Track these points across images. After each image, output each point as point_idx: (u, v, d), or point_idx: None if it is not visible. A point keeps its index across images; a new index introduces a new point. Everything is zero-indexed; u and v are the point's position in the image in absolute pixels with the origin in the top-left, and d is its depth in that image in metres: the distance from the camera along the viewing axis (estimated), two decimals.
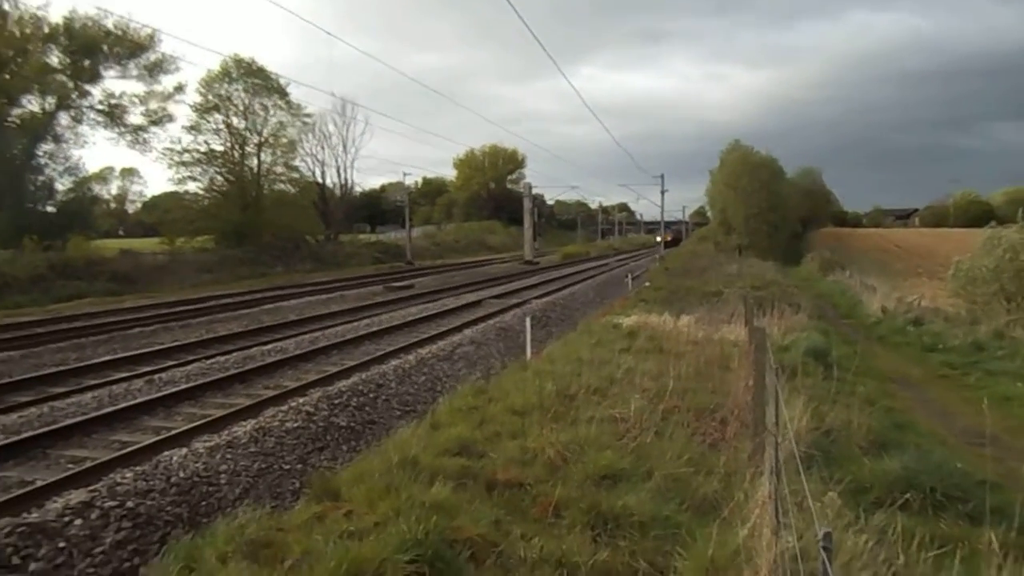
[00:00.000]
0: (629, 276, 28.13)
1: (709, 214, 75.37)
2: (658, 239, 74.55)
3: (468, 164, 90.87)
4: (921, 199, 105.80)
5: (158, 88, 36.76)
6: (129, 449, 7.25)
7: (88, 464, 6.81)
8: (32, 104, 32.57)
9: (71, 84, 33.39)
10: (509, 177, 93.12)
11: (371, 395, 10.17)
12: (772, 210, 54.73)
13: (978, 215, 69.43)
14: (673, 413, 7.56)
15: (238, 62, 41.35)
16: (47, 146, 33.14)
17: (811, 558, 3.47)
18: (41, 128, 32.43)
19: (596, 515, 4.90)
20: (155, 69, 36.05)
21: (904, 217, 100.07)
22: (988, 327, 17.55)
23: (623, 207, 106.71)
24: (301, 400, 9.40)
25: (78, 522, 5.63)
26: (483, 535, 4.54)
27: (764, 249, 51.00)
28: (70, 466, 6.95)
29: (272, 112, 43.42)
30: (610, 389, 8.64)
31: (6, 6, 29.91)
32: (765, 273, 32.03)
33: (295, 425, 8.52)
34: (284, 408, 8.99)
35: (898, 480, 5.58)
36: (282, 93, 43.07)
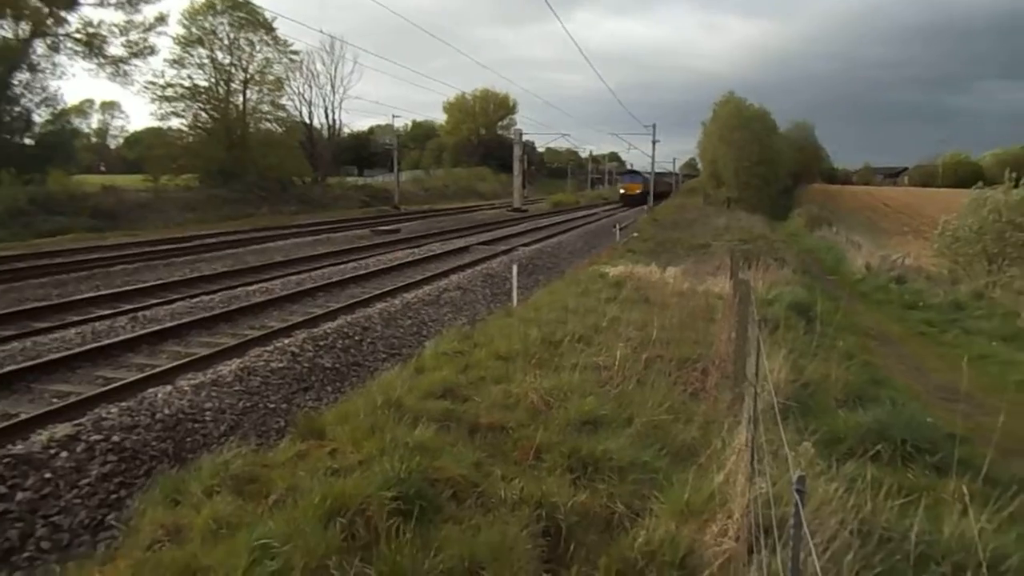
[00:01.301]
0: (617, 226, 28.10)
1: (700, 166, 74.99)
2: (622, 190, 68.20)
3: (459, 108, 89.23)
4: (911, 158, 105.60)
5: (139, 18, 35.49)
6: (114, 385, 7.27)
7: (73, 399, 6.83)
8: (4, 30, 31.36)
9: (46, 10, 32.11)
10: (500, 123, 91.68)
11: (356, 337, 10.21)
12: (763, 164, 54.50)
13: (966, 176, 69.58)
14: (656, 362, 7.67)
15: None
16: (22, 75, 32.07)
17: (783, 504, 3.58)
18: (15, 56, 31.30)
19: (576, 459, 5.01)
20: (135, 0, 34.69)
21: (894, 176, 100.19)
22: (968, 287, 17.82)
23: (614, 156, 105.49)
24: (286, 341, 9.42)
25: (63, 454, 5.68)
26: (465, 476, 4.63)
27: (753, 203, 51.00)
28: (54, 400, 6.97)
29: (258, 48, 42.24)
30: (595, 337, 8.73)
31: None
32: (753, 227, 32.12)
33: (280, 365, 8.56)
34: (269, 348, 9.02)
35: (870, 432, 5.72)
36: (268, 28, 41.80)
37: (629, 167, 77.85)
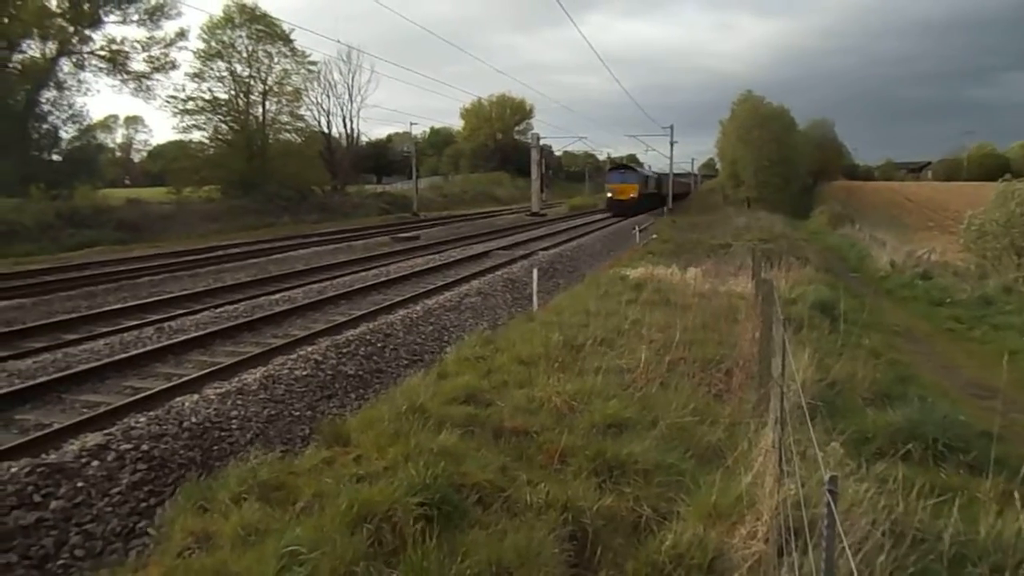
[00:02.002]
0: (636, 228, 27.97)
1: (718, 166, 74.38)
2: (608, 194, 47.53)
3: (475, 114, 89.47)
4: (935, 152, 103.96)
5: (160, 34, 36.12)
6: (142, 395, 7.37)
7: (103, 408, 6.94)
8: (33, 50, 32.09)
9: (71, 29, 32.80)
10: (517, 128, 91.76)
11: (379, 344, 10.26)
12: (782, 162, 54.02)
13: (993, 168, 68.32)
14: (679, 364, 7.62)
15: (241, 7, 40.51)
16: (49, 93, 32.77)
17: (813, 505, 3.54)
18: (43, 74, 32.00)
19: (601, 462, 4.99)
20: (156, 14, 35.35)
21: (917, 170, 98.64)
22: (997, 282, 17.48)
23: (632, 158, 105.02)
24: (310, 349, 9.49)
25: (95, 463, 5.77)
26: (490, 481, 4.63)
27: (774, 202, 50.54)
28: (85, 410, 7.08)
29: (276, 60, 42.71)
30: (617, 340, 8.69)
31: None
32: (774, 226, 31.81)
33: (304, 373, 8.63)
34: (293, 356, 9.09)
35: (900, 431, 5.63)
36: (286, 40, 42.27)
37: (626, 162, 60.20)
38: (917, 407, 6.18)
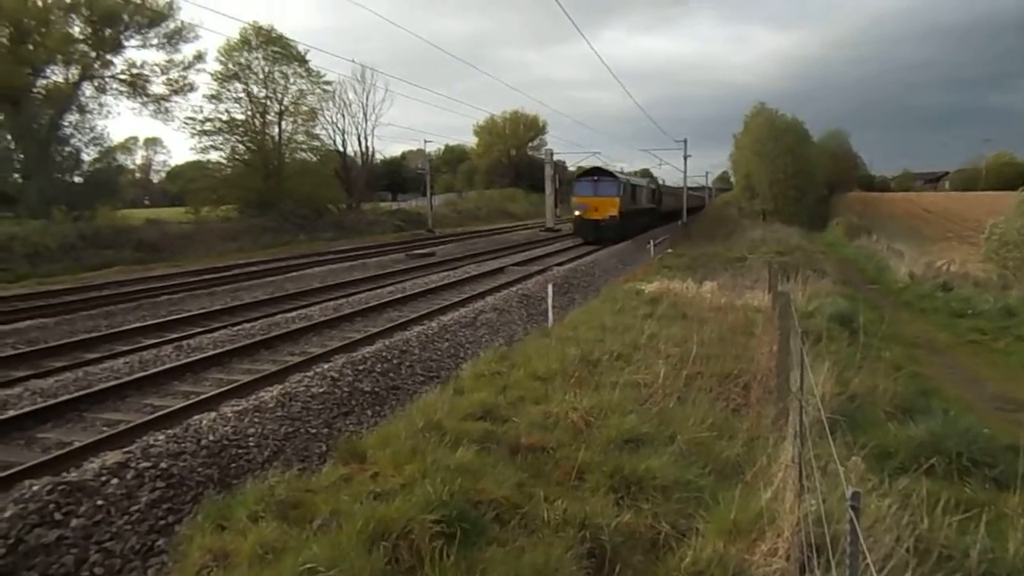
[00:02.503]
0: (651, 242, 27.90)
1: (733, 179, 74.13)
2: (577, 211, 33.19)
3: (489, 131, 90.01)
4: (952, 162, 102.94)
5: (178, 57, 36.78)
6: (161, 413, 7.43)
7: (122, 427, 7.00)
8: (56, 75, 32.80)
9: (93, 54, 33.50)
10: (530, 144, 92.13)
11: (395, 361, 10.28)
12: (797, 174, 53.75)
13: (1012, 177, 67.52)
14: (696, 379, 7.56)
15: (257, 30, 41.15)
16: (72, 117, 33.41)
17: (835, 521, 3.48)
18: (66, 99, 32.66)
19: (619, 478, 4.95)
20: (175, 38, 36.01)
21: (934, 180, 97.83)
22: (1020, 292, 17.20)
23: (645, 172, 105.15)
24: (326, 366, 9.52)
25: (114, 481, 5.81)
26: (507, 497, 4.61)
27: (789, 214, 50.26)
28: (105, 428, 7.15)
29: (292, 80, 43.28)
30: (633, 355, 8.65)
31: None
32: (790, 238, 31.61)
33: (320, 390, 8.66)
34: (309, 374, 9.13)
35: (923, 445, 5.55)
36: (302, 61, 42.86)
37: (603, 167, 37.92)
38: (940, 421, 6.09)
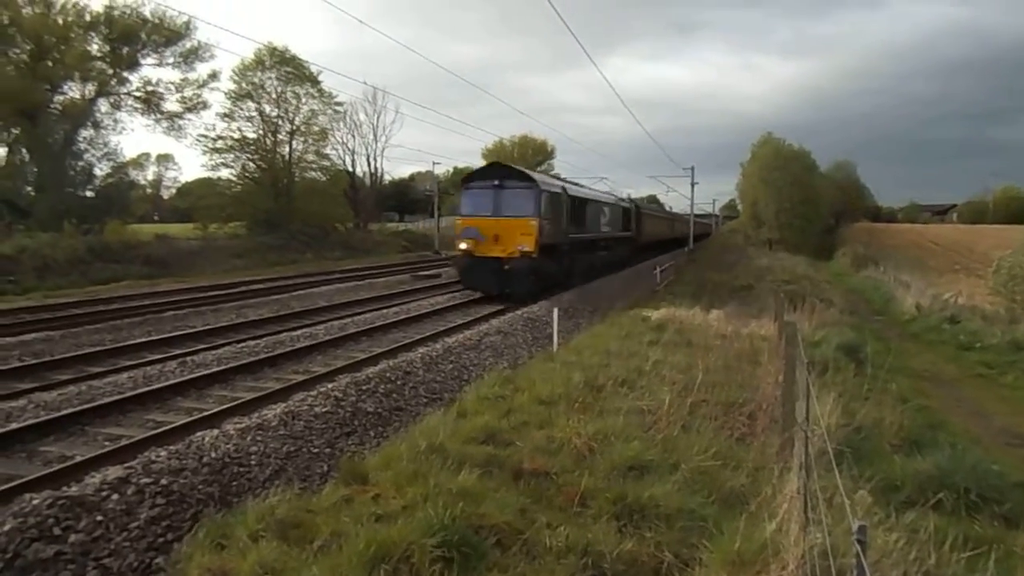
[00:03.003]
0: (657, 268, 27.91)
1: (739, 207, 74.32)
2: (463, 244, 18.59)
3: (497, 154, 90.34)
4: (959, 194, 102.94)
5: (193, 75, 37.34)
6: (163, 428, 7.41)
7: (124, 442, 6.98)
8: (73, 91, 33.32)
9: (110, 71, 34.04)
10: (538, 168, 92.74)
11: (399, 382, 10.26)
12: (804, 204, 53.94)
13: (1019, 211, 67.57)
14: (701, 406, 7.52)
15: (272, 51, 41.78)
16: (87, 132, 33.88)
17: (840, 554, 3.44)
18: (81, 115, 33.13)
19: (622, 506, 4.91)
20: (190, 57, 36.58)
21: (941, 213, 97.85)
22: None
23: (652, 199, 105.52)
24: (330, 385, 9.51)
25: (115, 497, 5.78)
26: (509, 522, 4.57)
27: (796, 243, 50.36)
28: (107, 443, 7.13)
29: (304, 100, 43.83)
30: (638, 381, 8.62)
31: None
32: (796, 267, 31.60)
33: (324, 410, 8.63)
34: (313, 393, 9.11)
35: (930, 479, 5.49)
36: (314, 81, 43.42)
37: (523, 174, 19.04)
38: (948, 455, 6.03)
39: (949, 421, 9.18)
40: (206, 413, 8.03)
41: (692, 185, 54.22)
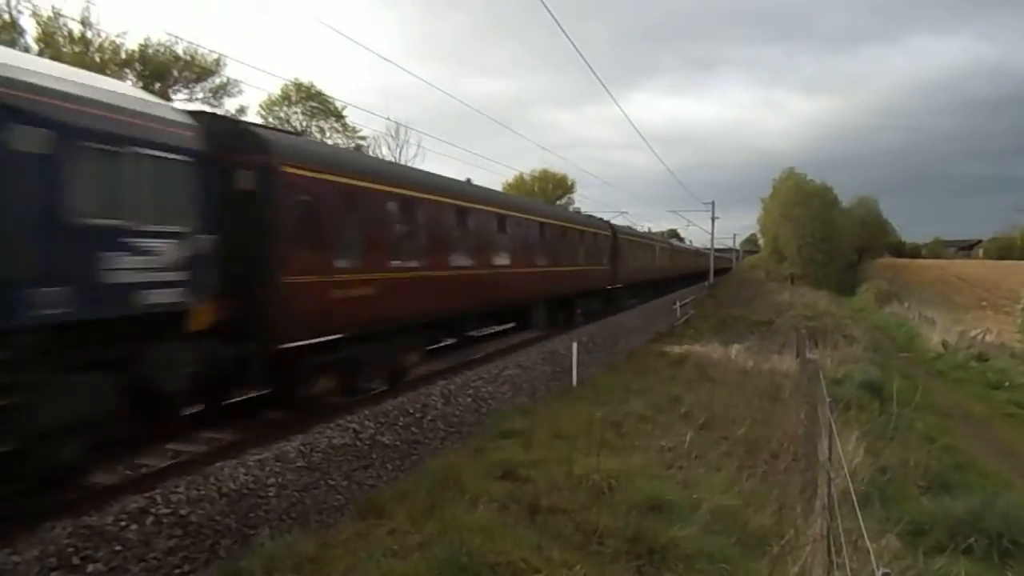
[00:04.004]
0: (677, 303, 27.78)
1: (760, 242, 74.04)
2: None
3: (517, 188, 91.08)
4: (986, 230, 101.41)
5: (221, 111, 38.31)
6: (183, 459, 7.44)
7: (144, 471, 7.01)
8: None
9: None
10: (558, 202, 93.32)
11: (417, 415, 10.23)
12: (825, 239, 53.65)
13: None
14: (721, 444, 7.43)
15: (298, 86, 42.78)
16: None
17: None
18: None
19: (641, 545, 4.83)
20: (220, 92, 37.53)
21: (967, 248, 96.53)
22: None
23: (673, 233, 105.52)
24: (348, 417, 9.51)
25: (134, 527, 5.79)
26: (525, 559, 4.52)
27: (817, 278, 49.96)
28: (128, 472, 7.17)
29: (329, 134, 44.63)
30: (657, 417, 8.54)
31: (89, 35, 31.67)
32: (818, 303, 31.28)
33: (342, 442, 8.61)
34: (331, 425, 9.11)
35: (961, 523, 5.35)
36: (339, 116, 44.30)
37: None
38: (979, 498, 5.88)
39: (978, 462, 8.97)
40: (226, 443, 8.06)
41: (712, 219, 54.15)
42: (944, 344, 21.09)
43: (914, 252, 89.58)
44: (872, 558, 2.77)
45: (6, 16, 26.45)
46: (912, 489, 6.42)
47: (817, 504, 4.61)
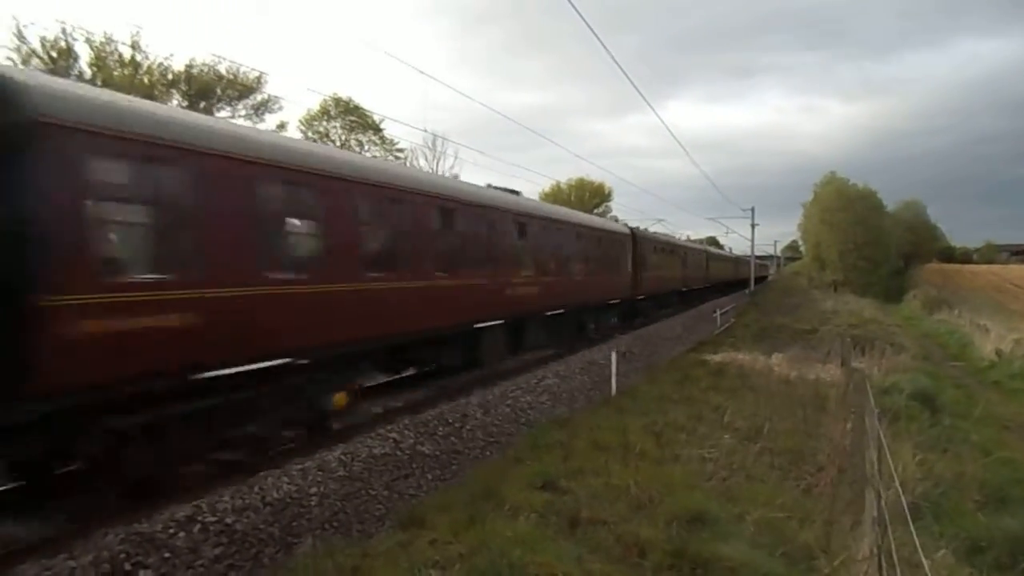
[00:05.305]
0: (717, 311, 27.39)
1: (802, 249, 72.58)
2: None
3: (554, 197, 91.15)
4: None
5: (263, 126, 39.27)
6: (229, 468, 7.59)
7: (191, 481, 7.18)
8: None
9: None
10: (595, 210, 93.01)
11: (456, 425, 10.27)
12: (869, 244, 52.35)
13: None
14: (764, 454, 7.28)
15: (337, 101, 43.64)
16: None
17: None
18: None
19: (683, 559, 4.75)
20: (261, 108, 38.59)
21: (1021, 253, 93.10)
22: None
23: (712, 240, 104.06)
24: (388, 427, 9.60)
25: (182, 535, 5.93)
26: (566, 572, 4.48)
27: (861, 285, 48.75)
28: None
29: (367, 147, 45.35)
30: (697, 427, 8.42)
31: (138, 57, 32.82)
32: (863, 310, 30.50)
33: (382, 452, 8.69)
34: (372, 435, 9.21)
35: (1020, 541, 5.13)
36: (377, 129, 45.02)
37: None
38: None
39: None
40: (269, 454, 8.20)
41: (752, 226, 53.28)
42: (998, 352, 20.35)
43: (965, 257, 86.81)
44: (927, 575, 2.68)
45: (63, 43, 27.65)
46: (967, 504, 6.19)
47: (867, 518, 4.48)
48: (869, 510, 4.26)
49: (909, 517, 3.44)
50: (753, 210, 52.68)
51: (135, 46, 31.37)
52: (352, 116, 44.35)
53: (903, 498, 3.95)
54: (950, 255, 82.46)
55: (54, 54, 27.87)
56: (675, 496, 5.89)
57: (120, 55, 31.79)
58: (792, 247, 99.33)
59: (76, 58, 29.28)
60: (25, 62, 26.39)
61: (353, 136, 44.82)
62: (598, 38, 13.26)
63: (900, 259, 60.43)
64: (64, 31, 27.70)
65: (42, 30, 27.08)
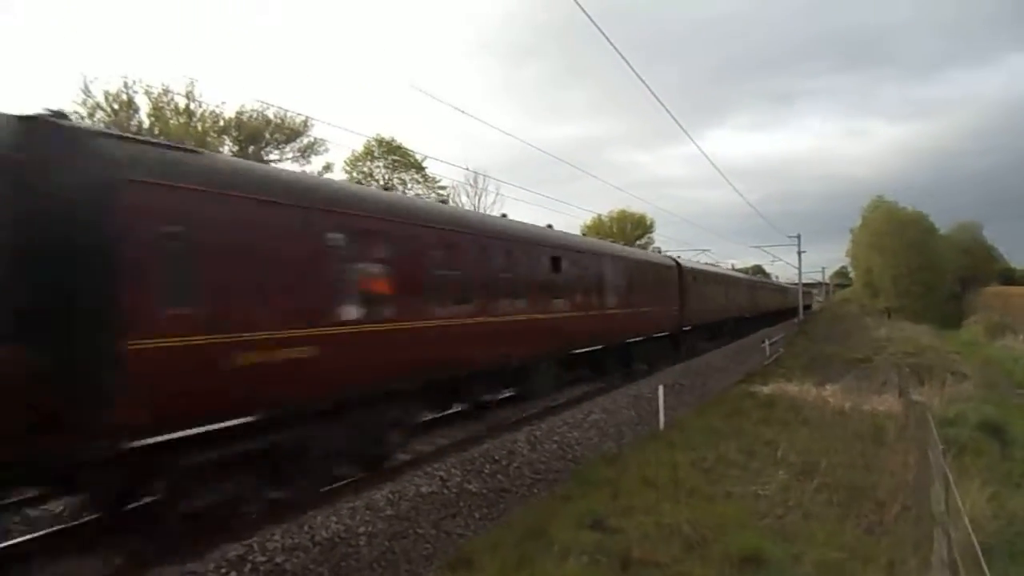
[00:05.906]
0: (766, 341, 26.79)
1: (852, 275, 70.78)
2: None
3: (595, 230, 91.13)
4: None
5: (309, 168, 40.50)
6: (278, 507, 7.67)
7: (243, 518, 7.26)
8: None
9: None
10: (638, 242, 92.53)
11: (503, 462, 10.20)
12: (923, 269, 50.79)
13: None
14: (821, 491, 7.03)
15: (380, 141, 44.77)
16: None
17: None
18: None
19: None
20: (307, 151, 39.94)
21: None
22: None
23: (757, 269, 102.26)
24: (436, 465, 9.59)
25: (233, 574, 5.99)
26: None
27: (916, 311, 47.17)
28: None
29: (410, 185, 46.26)
30: (749, 462, 8.20)
31: (192, 107, 34.41)
32: (919, 338, 29.45)
33: (429, 490, 8.68)
34: (419, 473, 9.20)
35: None
36: (419, 168, 45.96)
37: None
38: None
39: None
40: (319, 493, 8.26)
41: (799, 254, 52.18)
42: None
43: None
44: None
45: (124, 96, 29.19)
46: None
47: (934, 560, 4.27)
48: (938, 551, 4.07)
49: (982, 559, 3.26)
50: (799, 237, 51.72)
51: (189, 96, 32.82)
52: (395, 155, 45.40)
53: (974, 538, 3.76)
54: (1011, 277, 79.21)
55: (116, 106, 29.39)
56: (729, 535, 5.72)
57: (176, 105, 33.30)
58: (841, 273, 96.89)
59: (136, 109, 30.81)
60: (91, 115, 27.89)
61: (396, 175, 45.83)
62: (634, 71, 13.30)
63: (957, 283, 58.35)
64: (125, 84, 29.23)
65: (105, 84, 28.63)
